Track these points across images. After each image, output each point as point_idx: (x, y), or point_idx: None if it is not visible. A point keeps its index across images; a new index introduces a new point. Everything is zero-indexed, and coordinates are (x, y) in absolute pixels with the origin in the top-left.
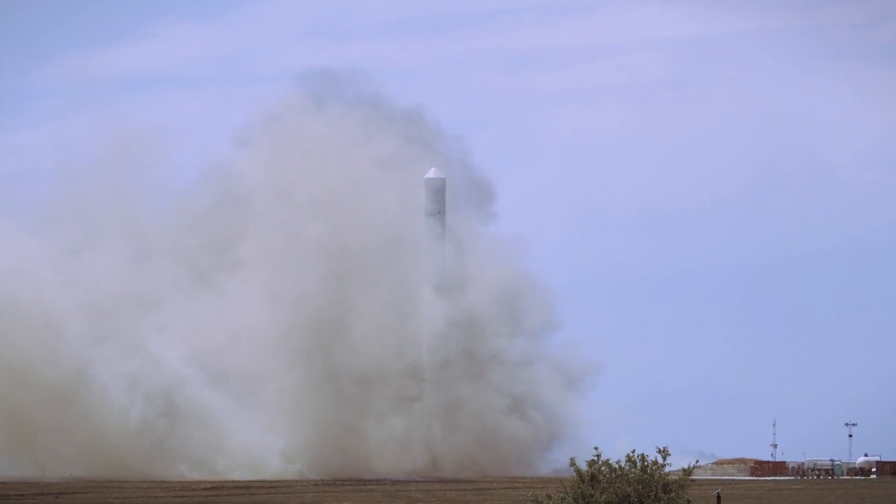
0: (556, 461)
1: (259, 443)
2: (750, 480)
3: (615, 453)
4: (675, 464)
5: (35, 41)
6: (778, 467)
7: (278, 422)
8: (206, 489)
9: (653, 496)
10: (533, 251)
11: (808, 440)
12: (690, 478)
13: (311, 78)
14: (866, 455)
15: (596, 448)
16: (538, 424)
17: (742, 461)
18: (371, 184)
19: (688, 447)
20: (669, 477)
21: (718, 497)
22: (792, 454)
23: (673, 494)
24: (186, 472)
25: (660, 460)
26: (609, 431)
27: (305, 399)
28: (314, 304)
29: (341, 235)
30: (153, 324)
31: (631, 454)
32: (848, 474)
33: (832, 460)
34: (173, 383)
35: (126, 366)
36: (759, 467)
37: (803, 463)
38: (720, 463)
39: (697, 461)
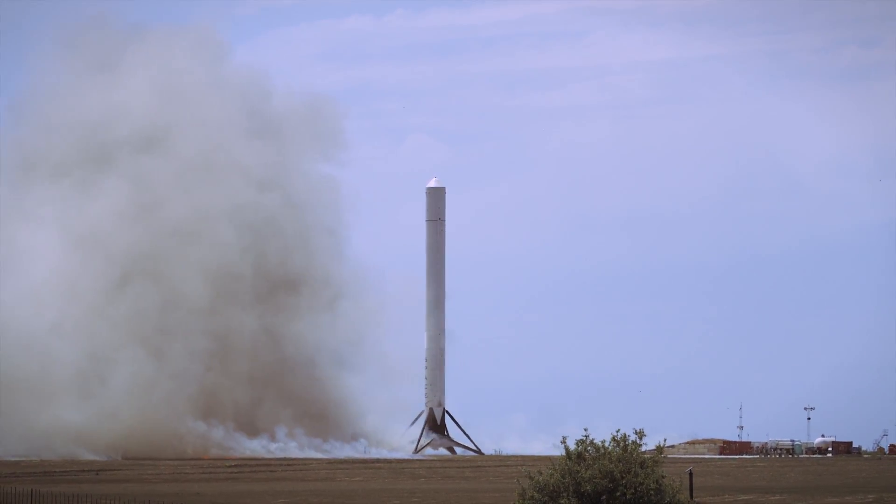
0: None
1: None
2: (719, 458)
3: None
4: (650, 443)
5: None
6: (744, 447)
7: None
8: (230, 466)
9: (632, 472)
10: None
11: (771, 422)
12: (663, 455)
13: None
14: (823, 436)
15: (585, 429)
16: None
17: (712, 441)
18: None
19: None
20: (646, 455)
21: (690, 474)
22: (756, 435)
23: (648, 470)
24: None
25: (637, 440)
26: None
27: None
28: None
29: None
30: None
31: (615, 435)
32: (806, 453)
33: (792, 440)
34: None
35: None
36: (727, 447)
37: (767, 443)
38: (692, 443)
39: (665, 440)
